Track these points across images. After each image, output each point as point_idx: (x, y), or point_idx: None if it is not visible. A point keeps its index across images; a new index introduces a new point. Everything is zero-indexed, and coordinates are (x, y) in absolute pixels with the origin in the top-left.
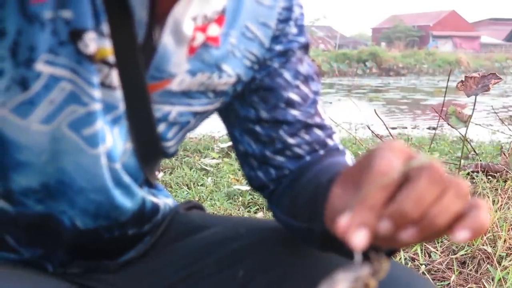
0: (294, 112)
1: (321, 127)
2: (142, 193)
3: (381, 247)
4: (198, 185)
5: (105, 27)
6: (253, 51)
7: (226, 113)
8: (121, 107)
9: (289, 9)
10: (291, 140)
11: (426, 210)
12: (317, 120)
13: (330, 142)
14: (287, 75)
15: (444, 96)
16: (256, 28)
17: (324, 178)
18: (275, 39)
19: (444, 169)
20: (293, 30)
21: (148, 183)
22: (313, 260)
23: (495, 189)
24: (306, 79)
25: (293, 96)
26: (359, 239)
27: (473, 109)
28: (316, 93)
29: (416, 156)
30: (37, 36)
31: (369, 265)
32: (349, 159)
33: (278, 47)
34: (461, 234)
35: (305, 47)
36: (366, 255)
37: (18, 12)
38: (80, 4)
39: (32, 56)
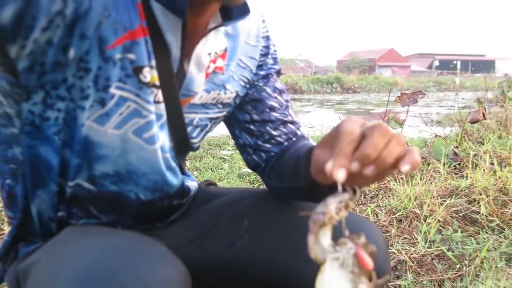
0: (275, 114)
1: (293, 123)
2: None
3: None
4: (218, 169)
5: (153, 62)
6: (246, 75)
7: (229, 118)
8: (165, 116)
9: (267, 47)
10: (274, 133)
11: (379, 152)
12: (289, 118)
13: (299, 132)
14: (268, 90)
15: (386, 107)
16: (247, 60)
17: (301, 152)
18: (259, 67)
19: (388, 127)
20: (270, 61)
21: (181, 170)
22: (293, 209)
23: (421, 170)
24: (281, 92)
25: (274, 103)
26: (341, 174)
27: (406, 115)
28: (287, 101)
29: (368, 122)
30: (111, 71)
31: (347, 193)
32: (312, 142)
33: (262, 72)
34: (405, 167)
35: (278, 72)
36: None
37: (98, 56)
38: (139, 49)
39: (107, 84)
